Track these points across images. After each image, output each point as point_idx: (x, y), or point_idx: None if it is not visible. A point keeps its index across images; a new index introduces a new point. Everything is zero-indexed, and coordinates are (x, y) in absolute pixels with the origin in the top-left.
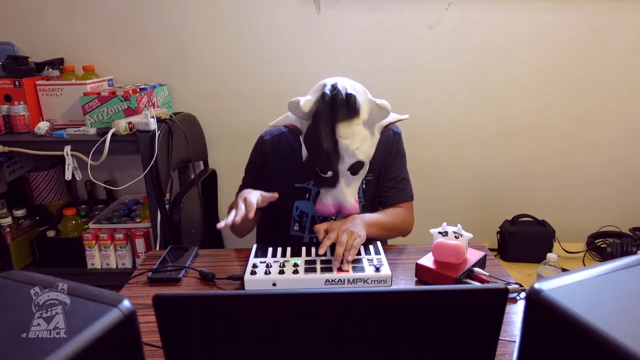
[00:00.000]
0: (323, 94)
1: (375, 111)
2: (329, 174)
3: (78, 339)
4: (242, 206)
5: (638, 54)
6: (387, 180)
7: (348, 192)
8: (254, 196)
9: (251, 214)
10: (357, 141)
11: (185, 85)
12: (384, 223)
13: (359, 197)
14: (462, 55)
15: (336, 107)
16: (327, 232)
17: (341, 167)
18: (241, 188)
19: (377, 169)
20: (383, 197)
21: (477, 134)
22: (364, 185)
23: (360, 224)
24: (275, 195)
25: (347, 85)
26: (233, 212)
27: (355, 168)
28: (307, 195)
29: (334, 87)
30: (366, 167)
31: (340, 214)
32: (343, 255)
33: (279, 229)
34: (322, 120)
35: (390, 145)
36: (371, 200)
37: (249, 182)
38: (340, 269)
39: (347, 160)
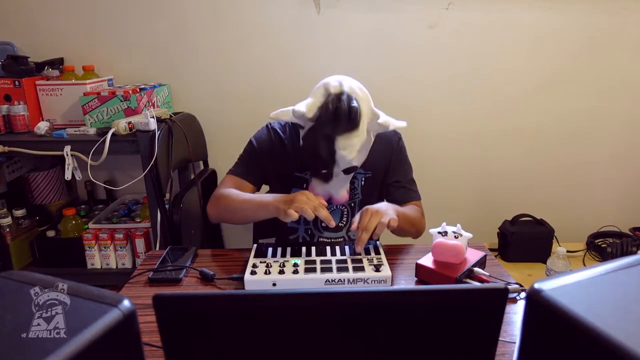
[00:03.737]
0: (326, 105)
1: (375, 122)
2: (323, 172)
3: (78, 339)
4: (323, 213)
5: (638, 54)
6: (395, 180)
7: (339, 186)
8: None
9: (332, 224)
10: (354, 152)
11: (185, 85)
12: (410, 216)
13: (355, 192)
14: (462, 55)
15: (338, 119)
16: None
17: (335, 170)
18: (237, 166)
19: (381, 168)
20: (393, 197)
21: (477, 133)
22: (362, 182)
23: (391, 209)
24: (333, 223)
25: (351, 90)
26: (324, 212)
27: (349, 171)
28: (305, 185)
29: (338, 98)
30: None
31: (331, 202)
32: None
33: (275, 219)
34: (323, 129)
35: (396, 145)
36: (369, 196)
37: (246, 164)
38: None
39: (342, 166)
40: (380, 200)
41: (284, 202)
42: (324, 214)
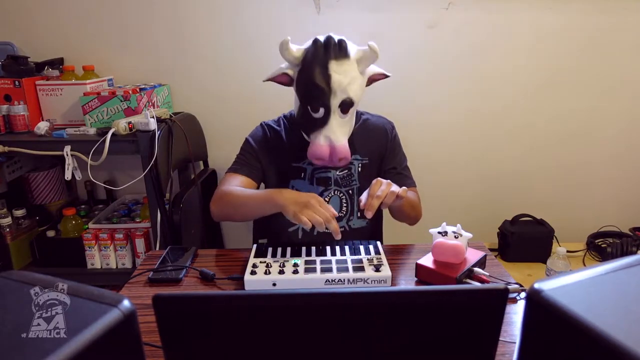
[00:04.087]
0: (315, 39)
1: (365, 53)
2: (321, 112)
3: (78, 339)
4: (333, 225)
5: (638, 54)
6: (391, 167)
7: (338, 130)
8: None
9: (339, 236)
10: (349, 77)
11: (185, 85)
12: (410, 199)
13: (353, 178)
14: (462, 55)
15: (329, 47)
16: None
17: (333, 102)
18: (237, 164)
19: (375, 155)
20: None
21: (477, 133)
22: (359, 168)
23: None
24: (339, 236)
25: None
26: (334, 224)
27: (345, 105)
28: (303, 174)
29: (327, 36)
30: (354, 115)
31: (333, 159)
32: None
33: (274, 215)
34: (315, 59)
35: (390, 134)
36: (366, 182)
37: (246, 161)
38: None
39: (339, 95)
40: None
41: (294, 202)
42: (333, 226)
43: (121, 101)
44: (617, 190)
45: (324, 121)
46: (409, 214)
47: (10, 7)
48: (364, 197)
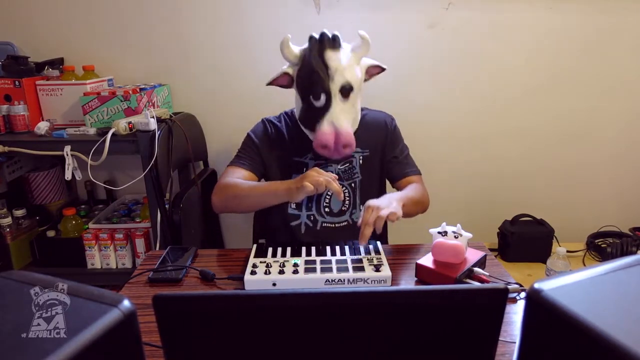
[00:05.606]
0: (310, 35)
1: (357, 44)
2: (322, 99)
3: (78, 339)
4: (334, 185)
5: (638, 54)
6: (393, 156)
7: (342, 115)
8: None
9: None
10: (344, 62)
11: (185, 85)
12: (413, 197)
13: (355, 171)
14: (462, 55)
15: (323, 40)
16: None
17: (332, 87)
18: (238, 158)
19: (378, 147)
20: (392, 172)
21: (477, 133)
22: (360, 161)
23: (395, 201)
24: (342, 196)
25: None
26: (335, 184)
27: (345, 90)
28: (305, 169)
29: (321, 32)
30: (356, 102)
31: (338, 147)
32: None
33: (275, 211)
34: (312, 52)
35: (390, 125)
36: (368, 175)
37: (247, 155)
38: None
39: (337, 80)
40: (381, 180)
41: (294, 181)
42: (335, 186)
43: (121, 101)
44: (617, 190)
45: (326, 107)
46: (415, 211)
47: (10, 7)
48: (358, 222)
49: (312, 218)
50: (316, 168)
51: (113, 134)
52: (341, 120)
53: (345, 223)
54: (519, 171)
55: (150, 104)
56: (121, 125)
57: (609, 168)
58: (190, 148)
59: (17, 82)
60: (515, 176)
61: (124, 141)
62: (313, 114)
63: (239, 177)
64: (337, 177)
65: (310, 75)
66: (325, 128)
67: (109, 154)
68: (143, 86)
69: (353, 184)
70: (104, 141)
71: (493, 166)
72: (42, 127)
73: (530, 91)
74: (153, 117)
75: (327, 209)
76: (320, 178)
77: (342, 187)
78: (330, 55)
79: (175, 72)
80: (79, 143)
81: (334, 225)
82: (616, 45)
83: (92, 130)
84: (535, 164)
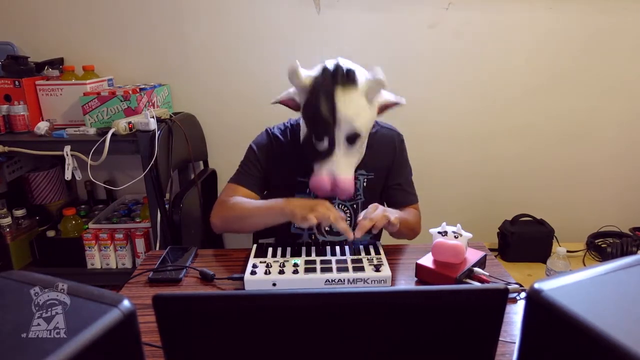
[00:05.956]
0: (324, 67)
1: (372, 85)
2: (325, 143)
3: (78, 339)
4: (342, 225)
5: (638, 54)
6: (396, 183)
7: (343, 163)
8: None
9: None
10: (354, 108)
11: (185, 85)
12: (409, 221)
13: (358, 193)
14: (462, 55)
15: (336, 74)
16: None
17: (337, 134)
18: (239, 174)
19: (383, 169)
20: (394, 199)
21: (477, 133)
22: (364, 183)
23: (397, 213)
24: (351, 236)
25: (347, 63)
26: (343, 224)
27: (351, 137)
28: (308, 189)
29: (336, 64)
30: (363, 144)
31: (335, 191)
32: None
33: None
34: (322, 88)
35: (398, 147)
36: (371, 198)
37: (248, 172)
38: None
39: (344, 127)
40: (381, 202)
41: (301, 207)
42: (343, 225)
43: (121, 101)
44: (617, 190)
45: (328, 153)
46: (406, 234)
47: (10, 7)
48: (360, 216)
49: (313, 237)
50: (326, 203)
51: (113, 134)
52: (341, 169)
53: (345, 242)
54: (519, 171)
55: (150, 104)
56: (121, 125)
57: (609, 168)
58: (190, 148)
59: (17, 82)
60: (515, 176)
61: (124, 141)
62: (314, 153)
63: (240, 196)
64: (345, 217)
65: (316, 117)
66: (323, 174)
67: (109, 154)
68: (143, 86)
69: (355, 205)
70: (104, 141)
71: (493, 166)
72: (42, 127)
73: (530, 91)
74: (153, 117)
75: (328, 229)
76: (330, 215)
77: (344, 208)
78: (340, 96)
79: (175, 72)
80: (78, 143)
81: (335, 243)
82: (616, 45)
83: (92, 130)
84: (535, 163)
